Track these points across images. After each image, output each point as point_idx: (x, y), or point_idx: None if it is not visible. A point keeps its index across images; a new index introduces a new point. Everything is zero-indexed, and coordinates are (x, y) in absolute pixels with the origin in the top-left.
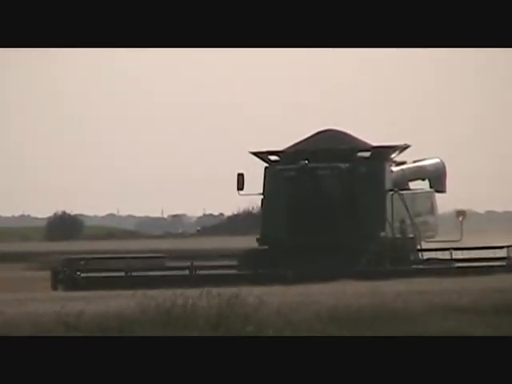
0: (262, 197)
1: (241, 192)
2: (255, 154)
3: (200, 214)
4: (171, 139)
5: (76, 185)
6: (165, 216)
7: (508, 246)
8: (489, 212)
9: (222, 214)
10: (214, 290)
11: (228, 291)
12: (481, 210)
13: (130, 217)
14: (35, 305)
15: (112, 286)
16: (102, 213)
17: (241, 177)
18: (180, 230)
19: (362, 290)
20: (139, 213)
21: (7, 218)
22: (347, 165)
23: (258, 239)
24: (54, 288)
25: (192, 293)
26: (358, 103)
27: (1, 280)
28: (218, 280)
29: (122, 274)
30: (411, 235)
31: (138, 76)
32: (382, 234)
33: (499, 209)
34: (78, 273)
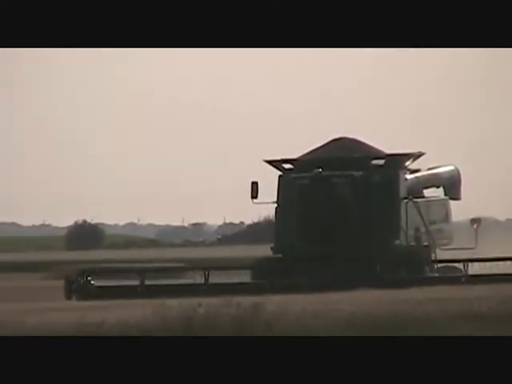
0: (276, 205)
1: (255, 200)
2: (269, 162)
3: (220, 222)
4: (192, 148)
5: (96, 194)
6: (185, 224)
7: None
8: (509, 220)
9: (242, 223)
10: (234, 299)
11: (248, 300)
12: (502, 217)
13: (150, 225)
14: (55, 314)
15: (126, 296)
16: (122, 221)
17: (255, 185)
18: (200, 239)
19: (380, 298)
20: (160, 221)
21: (28, 228)
22: (361, 173)
23: (272, 248)
24: (68, 297)
25: (212, 302)
26: (372, 110)
27: (21, 289)
28: (232, 289)
29: (137, 283)
30: (426, 243)
31: (156, 86)
32: (397, 242)
33: None
34: (92, 282)
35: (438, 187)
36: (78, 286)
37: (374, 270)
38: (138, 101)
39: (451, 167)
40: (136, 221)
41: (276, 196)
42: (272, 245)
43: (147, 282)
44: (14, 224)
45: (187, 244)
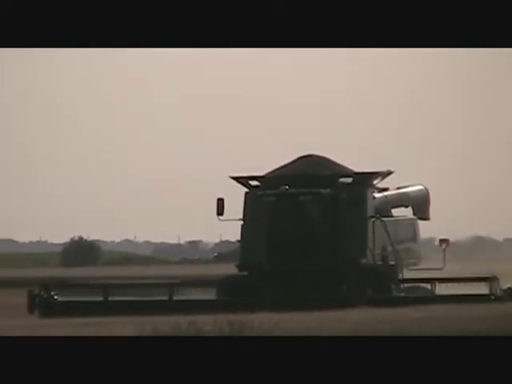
0: (242, 222)
1: (220, 217)
2: (235, 178)
3: (217, 240)
4: (189, 166)
5: (93, 210)
6: (181, 242)
7: (491, 278)
8: (507, 240)
9: (238, 241)
10: (222, 318)
11: (240, 318)
12: (499, 237)
13: (146, 242)
14: (49, 331)
15: (89, 312)
16: (118, 238)
17: (221, 202)
18: (196, 257)
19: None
20: (156, 239)
21: (24, 244)
22: (329, 191)
23: (237, 265)
24: (31, 312)
25: (202, 320)
26: (340, 127)
27: (16, 306)
28: (198, 307)
29: (101, 299)
30: (392, 262)
31: (157, 98)
32: (363, 260)
33: None
34: (56, 297)
35: (406, 207)
36: (41, 300)
37: (339, 288)
38: (126, 114)
39: (420, 187)
40: (132, 238)
41: (242, 213)
42: (237, 262)
43: (111, 298)
44: (10, 240)
45: (183, 262)
